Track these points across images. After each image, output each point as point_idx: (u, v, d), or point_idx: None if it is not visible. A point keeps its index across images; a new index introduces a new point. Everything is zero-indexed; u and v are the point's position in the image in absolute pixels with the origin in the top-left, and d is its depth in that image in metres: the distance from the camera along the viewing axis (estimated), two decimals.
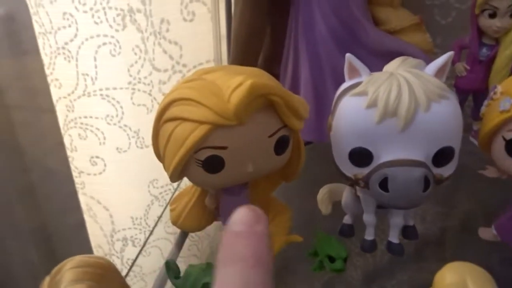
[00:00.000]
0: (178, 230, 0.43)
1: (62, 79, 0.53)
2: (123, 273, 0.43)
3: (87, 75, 0.52)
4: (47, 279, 0.19)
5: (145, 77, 0.55)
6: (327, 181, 0.42)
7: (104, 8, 0.49)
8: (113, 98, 0.54)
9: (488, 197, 0.46)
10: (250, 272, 0.14)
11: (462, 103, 0.49)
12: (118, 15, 0.50)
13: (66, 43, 0.50)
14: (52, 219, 0.55)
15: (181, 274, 0.30)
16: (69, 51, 0.51)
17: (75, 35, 0.50)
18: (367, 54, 0.41)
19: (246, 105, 0.26)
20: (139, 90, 0.55)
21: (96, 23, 0.49)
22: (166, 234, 0.55)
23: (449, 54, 0.30)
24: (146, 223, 0.65)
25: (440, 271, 0.21)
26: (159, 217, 0.48)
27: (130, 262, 0.45)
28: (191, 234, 0.45)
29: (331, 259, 0.32)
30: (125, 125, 0.56)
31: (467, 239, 0.42)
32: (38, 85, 0.49)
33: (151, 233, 0.45)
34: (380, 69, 0.31)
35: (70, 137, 0.57)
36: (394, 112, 0.28)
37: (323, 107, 0.43)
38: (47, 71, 0.53)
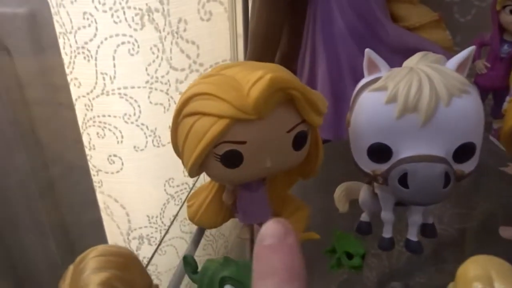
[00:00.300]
0: (193, 229, 0.43)
1: (82, 78, 0.54)
2: None
3: (106, 74, 0.53)
4: (71, 267, 0.19)
5: (163, 76, 0.55)
6: (344, 180, 0.42)
7: (123, 8, 0.50)
8: (131, 97, 0.55)
9: (509, 197, 0.46)
10: (285, 286, 0.14)
11: (482, 101, 0.48)
12: (136, 14, 0.50)
13: (85, 43, 0.51)
14: (70, 215, 0.56)
15: (199, 269, 0.30)
16: (89, 51, 0.52)
17: (95, 35, 0.51)
18: (386, 50, 0.41)
19: (266, 99, 0.26)
20: (156, 89, 0.55)
21: (115, 22, 0.50)
22: (182, 233, 0.55)
23: (470, 49, 0.29)
24: (162, 222, 0.65)
25: (463, 264, 0.21)
26: (175, 216, 0.48)
27: (146, 261, 0.45)
28: (206, 234, 0.45)
29: (349, 256, 0.32)
30: (142, 124, 0.57)
31: (487, 240, 0.41)
32: (58, 82, 0.50)
33: (167, 231, 0.45)
34: (400, 66, 0.31)
35: (88, 136, 0.58)
36: (415, 107, 0.27)
37: (341, 104, 0.43)
38: (67, 70, 0.54)
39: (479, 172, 0.54)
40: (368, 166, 0.31)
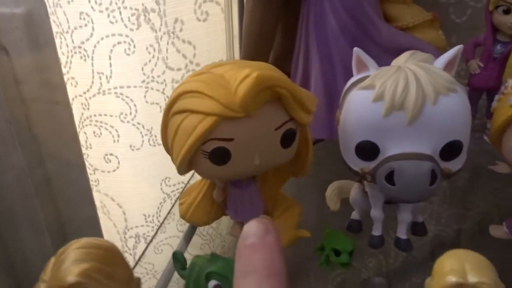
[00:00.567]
0: None
1: (78, 77, 0.54)
2: (134, 268, 0.44)
3: (102, 73, 0.53)
4: (52, 259, 0.19)
5: (159, 76, 0.56)
6: (337, 178, 0.42)
7: (119, 8, 0.50)
8: (127, 96, 0.55)
9: (505, 197, 0.46)
10: (264, 284, 0.15)
11: (476, 101, 0.49)
12: (132, 14, 0.51)
13: (82, 42, 0.52)
14: (67, 213, 0.56)
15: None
16: (85, 50, 0.52)
17: (91, 35, 0.51)
18: (379, 51, 0.41)
19: (253, 97, 0.26)
20: (152, 88, 0.56)
21: (112, 22, 0.50)
22: (178, 232, 0.55)
23: (458, 47, 0.29)
24: (159, 221, 0.66)
25: (440, 258, 0.21)
26: (168, 212, 0.48)
27: (142, 259, 0.45)
28: (203, 233, 0.45)
29: (338, 253, 0.32)
30: (138, 123, 0.57)
31: (483, 241, 0.41)
32: (55, 81, 0.51)
33: (159, 227, 0.45)
34: None
35: (85, 135, 0.59)
36: (401, 105, 0.28)
37: (334, 104, 0.43)
38: (64, 70, 0.54)
39: (475, 173, 0.54)
40: (356, 164, 0.31)
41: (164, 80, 0.57)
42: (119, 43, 0.52)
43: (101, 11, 0.50)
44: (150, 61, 0.55)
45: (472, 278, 0.19)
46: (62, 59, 0.54)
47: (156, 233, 0.44)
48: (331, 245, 0.32)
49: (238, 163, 0.29)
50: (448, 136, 0.28)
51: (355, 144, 0.30)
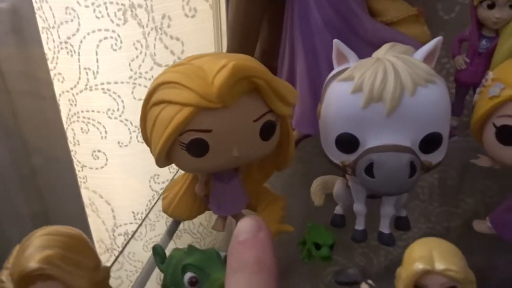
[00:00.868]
0: (180, 227, 0.43)
1: (65, 73, 0.54)
2: (125, 266, 0.43)
3: (89, 69, 0.53)
4: (17, 246, 0.19)
5: (146, 72, 0.56)
6: (324, 173, 0.42)
7: (105, 3, 0.50)
8: (114, 92, 0.55)
9: (494, 195, 0.46)
10: (254, 278, 0.15)
11: (462, 97, 0.48)
12: (119, 10, 0.51)
13: (68, 38, 0.51)
14: (53, 210, 0.56)
15: None
16: (72, 46, 0.52)
17: (77, 30, 0.51)
18: (364, 45, 0.41)
19: (230, 87, 0.26)
20: (140, 84, 0.56)
21: (98, 17, 0.50)
22: None
23: (438, 39, 0.29)
24: (148, 218, 0.65)
25: (409, 246, 0.21)
26: (152, 206, 0.48)
27: (131, 256, 0.45)
28: (193, 231, 0.45)
29: (319, 247, 0.32)
30: (126, 119, 0.57)
31: (473, 238, 0.41)
32: (42, 76, 0.50)
33: (142, 220, 0.45)
34: None
35: (72, 131, 0.58)
36: (380, 96, 0.27)
37: (319, 99, 0.43)
38: (51, 65, 0.54)
39: (464, 170, 0.54)
40: (337, 156, 0.31)
41: (152, 76, 0.56)
42: (105, 38, 0.52)
43: (87, 6, 0.50)
44: (137, 57, 0.54)
45: (439, 266, 0.19)
46: (49, 54, 0.54)
47: (139, 225, 0.43)
48: (312, 239, 0.32)
49: (216, 155, 0.28)
50: (427, 128, 0.28)
51: (335, 136, 0.30)
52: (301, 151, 0.50)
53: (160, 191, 0.65)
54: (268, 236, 0.16)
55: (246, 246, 0.16)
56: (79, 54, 0.52)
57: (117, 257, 0.39)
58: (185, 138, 0.28)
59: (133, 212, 0.64)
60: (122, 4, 0.51)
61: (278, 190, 0.49)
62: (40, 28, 0.52)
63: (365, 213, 0.34)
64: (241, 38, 0.44)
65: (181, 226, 0.44)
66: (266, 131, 0.29)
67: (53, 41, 0.52)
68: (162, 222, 0.52)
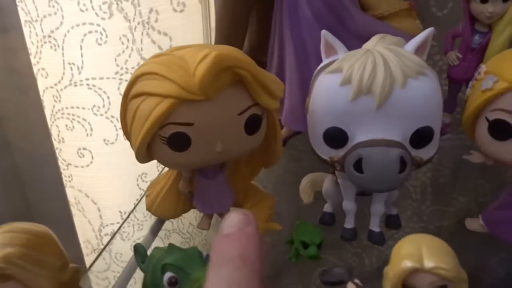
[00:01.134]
0: (167, 227, 0.42)
1: (49, 68, 0.52)
2: (112, 267, 0.42)
3: (73, 64, 0.52)
4: None
5: (133, 67, 0.54)
6: (314, 171, 0.41)
7: None
8: (100, 88, 0.53)
9: (487, 194, 0.45)
10: (236, 273, 0.14)
11: (455, 93, 0.48)
12: (104, 3, 0.49)
13: (52, 31, 0.50)
14: (37, 209, 0.55)
15: None
16: (55, 40, 0.50)
17: (61, 23, 0.49)
18: (354, 39, 0.40)
19: (212, 78, 0.25)
20: (126, 80, 0.54)
21: (82, 10, 0.49)
22: None
23: (429, 30, 0.28)
24: (136, 217, 0.64)
25: (398, 243, 0.20)
26: (137, 204, 0.47)
27: (118, 257, 0.44)
28: (183, 231, 0.44)
29: (306, 246, 0.30)
30: (112, 116, 0.55)
31: (465, 237, 0.40)
32: (24, 70, 0.49)
33: (126, 218, 0.44)
34: None
35: (57, 128, 0.57)
36: (369, 88, 0.26)
37: None
38: (34, 60, 0.52)
39: (457, 169, 0.53)
40: (325, 152, 0.30)
41: None
42: (90, 32, 0.50)
43: None
44: (123, 52, 0.53)
45: (428, 263, 0.17)
46: (32, 49, 0.52)
47: (123, 222, 0.42)
48: (300, 237, 0.31)
49: (199, 150, 0.27)
50: (418, 122, 0.27)
51: (323, 131, 0.29)
52: (291, 149, 0.49)
53: None
54: (256, 232, 0.16)
55: (232, 240, 0.15)
56: (63, 49, 0.51)
57: (99, 254, 0.38)
58: (165, 131, 0.26)
59: (120, 212, 0.63)
60: None
61: (268, 188, 0.48)
62: (23, 22, 0.50)
63: (355, 211, 0.33)
64: (228, 32, 0.43)
65: (170, 226, 0.43)
66: (252, 125, 0.28)
67: (36, 35, 0.51)
68: (150, 222, 0.51)
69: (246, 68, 0.26)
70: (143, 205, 0.65)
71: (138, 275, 0.36)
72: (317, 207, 0.38)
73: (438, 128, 0.28)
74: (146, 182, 0.62)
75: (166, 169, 0.48)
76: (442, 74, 0.55)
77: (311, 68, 0.42)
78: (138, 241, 0.61)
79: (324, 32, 0.29)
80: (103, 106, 0.54)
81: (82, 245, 0.66)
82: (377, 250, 0.37)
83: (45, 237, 0.19)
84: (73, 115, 0.55)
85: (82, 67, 0.52)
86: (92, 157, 0.58)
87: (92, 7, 0.49)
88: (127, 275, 0.34)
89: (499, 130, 0.28)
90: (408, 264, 0.18)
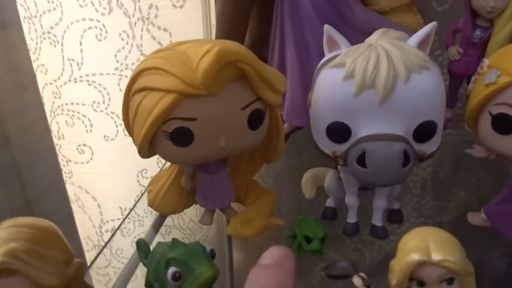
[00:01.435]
0: (168, 222, 0.42)
1: (48, 64, 0.52)
2: (112, 263, 0.42)
3: (73, 60, 0.51)
4: None
5: (133, 63, 0.54)
6: (316, 166, 0.41)
7: None
8: (100, 84, 0.53)
9: (487, 189, 0.45)
10: None
11: (456, 88, 0.48)
12: None
13: (51, 27, 0.50)
14: (36, 204, 0.54)
15: None
16: (55, 36, 0.50)
17: (60, 19, 0.49)
18: (354, 33, 0.40)
19: (215, 73, 0.25)
20: (126, 76, 0.54)
21: (81, 6, 0.49)
22: None
23: (432, 25, 0.28)
24: (136, 213, 0.64)
25: (404, 236, 0.20)
26: (138, 200, 0.47)
27: (119, 253, 0.44)
28: (183, 227, 0.44)
29: (309, 241, 0.30)
30: (112, 112, 0.55)
31: (466, 233, 0.40)
32: (23, 66, 0.49)
33: (127, 215, 0.44)
34: None
35: (57, 125, 0.56)
36: (372, 83, 0.26)
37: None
38: (33, 56, 0.52)
39: (458, 164, 0.53)
40: (328, 147, 0.30)
41: None
42: (89, 28, 0.50)
43: None
44: (123, 47, 0.53)
45: (436, 256, 0.17)
46: (31, 45, 0.52)
47: (124, 218, 0.42)
48: (302, 232, 0.31)
49: (202, 144, 0.27)
50: (421, 116, 0.27)
51: (326, 125, 0.29)
52: (292, 144, 0.49)
53: None
54: (293, 267, 0.16)
55: (269, 271, 0.16)
56: (62, 45, 0.51)
57: (101, 250, 0.38)
58: (168, 126, 0.26)
59: (120, 208, 0.63)
60: None
61: (269, 183, 0.47)
62: (22, 18, 0.50)
63: (357, 206, 0.33)
64: (229, 27, 0.43)
65: (171, 221, 0.43)
66: (255, 120, 0.28)
67: (36, 31, 0.50)
68: (151, 218, 0.51)
69: (249, 62, 0.26)
70: (143, 201, 0.65)
71: (140, 271, 0.36)
72: (318, 202, 0.38)
73: (441, 122, 0.28)
74: (147, 178, 0.62)
75: (167, 165, 0.49)
76: (443, 69, 0.54)
77: (312, 62, 0.42)
78: (139, 237, 0.61)
79: (326, 26, 0.29)
80: (103, 102, 0.54)
81: (83, 242, 0.66)
82: (377, 245, 0.37)
83: (49, 231, 0.19)
84: (73, 111, 0.55)
85: (81, 63, 0.51)
86: (92, 154, 0.58)
87: (92, 3, 0.49)
88: (129, 272, 0.34)
89: (502, 124, 0.28)
90: (415, 257, 0.18)
